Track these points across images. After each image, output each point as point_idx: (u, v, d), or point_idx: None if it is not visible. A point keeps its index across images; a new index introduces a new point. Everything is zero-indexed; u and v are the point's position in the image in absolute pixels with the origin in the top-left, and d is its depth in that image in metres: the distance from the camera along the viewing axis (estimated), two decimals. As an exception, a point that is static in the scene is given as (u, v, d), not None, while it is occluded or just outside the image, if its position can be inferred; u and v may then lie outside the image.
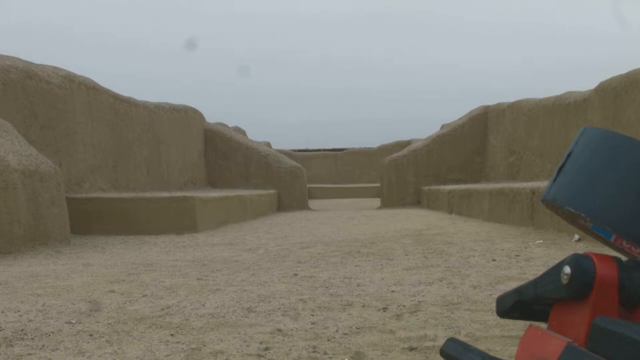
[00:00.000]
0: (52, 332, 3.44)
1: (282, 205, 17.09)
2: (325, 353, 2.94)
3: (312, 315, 3.74)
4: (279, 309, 3.95)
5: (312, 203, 19.46)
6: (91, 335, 3.37)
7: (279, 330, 3.39)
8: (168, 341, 3.21)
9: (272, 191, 16.77)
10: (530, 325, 0.73)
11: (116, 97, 12.71)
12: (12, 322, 3.70)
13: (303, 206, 17.37)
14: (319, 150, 31.53)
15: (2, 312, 3.99)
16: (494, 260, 5.94)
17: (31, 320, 3.73)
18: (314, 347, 3.03)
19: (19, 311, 4.01)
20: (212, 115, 32.78)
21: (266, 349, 3.02)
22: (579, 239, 7.22)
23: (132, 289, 4.79)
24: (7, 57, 9.95)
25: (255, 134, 38.18)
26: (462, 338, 3.18)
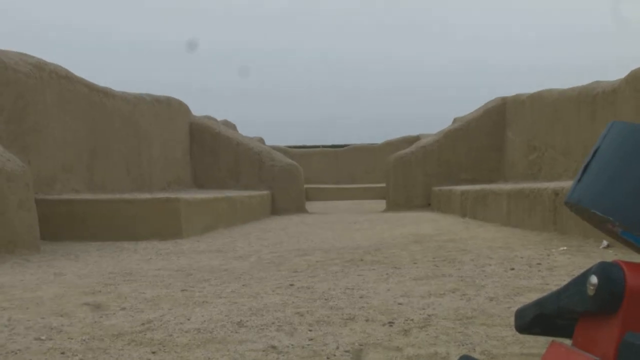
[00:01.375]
0: (18, 350, 3.44)
1: (276, 207, 17.08)
2: (325, 373, 2.94)
3: (310, 331, 3.74)
4: (273, 323, 3.94)
5: (310, 205, 19.45)
6: (63, 353, 3.37)
7: (273, 347, 3.39)
8: None
9: (265, 192, 16.76)
10: (552, 342, 0.73)
11: (91, 88, 12.70)
12: (-25, 338, 3.70)
13: (300, 209, 17.37)
14: (317, 146, 31.54)
15: (-36, 327, 3.99)
16: (512, 269, 5.94)
17: (-4, 336, 3.73)
18: (312, 366, 3.03)
19: (-18, 326, 4.00)
20: (200, 109, 32.69)
21: (258, 368, 3.02)
22: (608, 246, 7.22)
23: (109, 302, 4.78)
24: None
25: (246, 129, 38.12)
26: (476, 356, 3.18)
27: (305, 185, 19.77)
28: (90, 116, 12.59)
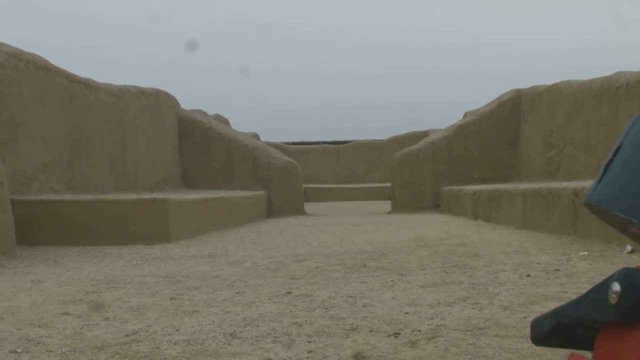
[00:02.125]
0: (-6, 363, 3.44)
1: (272, 209, 17.09)
2: (325, 388, 2.94)
3: (309, 342, 3.74)
4: (269, 334, 3.95)
5: (309, 207, 19.46)
6: (42, 366, 3.37)
7: (269, 360, 3.40)
8: (135, 374, 3.21)
9: (260, 192, 16.77)
10: (571, 354, 0.73)
11: (72, 79, 12.71)
12: (-54, 350, 3.70)
13: (298, 210, 17.38)
14: (317, 142, 31.57)
15: None
16: (528, 275, 5.95)
17: (-31, 349, 3.73)
18: (311, 381, 3.03)
19: (-46, 337, 4.00)
20: (189, 101, 32.71)
21: (253, 383, 3.02)
22: (632, 250, 7.22)
23: (91, 311, 4.79)
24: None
25: (239, 124, 38.18)
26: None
27: (304, 185, 19.78)
28: (71, 110, 12.59)
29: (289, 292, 5.38)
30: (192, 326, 4.21)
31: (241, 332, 4.02)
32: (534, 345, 0.82)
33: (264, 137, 27.29)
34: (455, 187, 16.24)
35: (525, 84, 19.62)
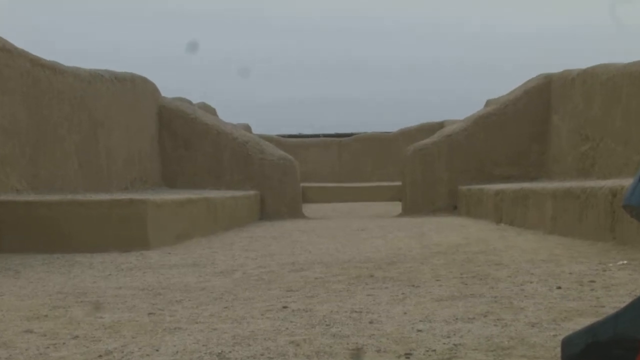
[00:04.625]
0: (-53, 388, 3.44)
1: (266, 211, 17.09)
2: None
3: (308, 364, 3.74)
4: (262, 354, 3.95)
5: (308, 208, 19.45)
6: (1, 391, 3.37)
7: (262, 384, 3.40)
8: (108, 400, 3.21)
9: (252, 192, 16.77)
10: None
11: (35, 62, 12.71)
12: None
13: (295, 213, 17.38)
14: (317, 135, 31.54)
15: None
16: (559, 287, 5.95)
17: None
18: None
19: None
20: (173, 90, 32.67)
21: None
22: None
23: (57, 328, 4.78)
24: None
25: (228, 114, 38.19)
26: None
27: (302, 184, 19.78)
28: (35, 97, 12.58)
29: (284, 307, 5.38)
30: (174, 345, 4.21)
31: (230, 352, 4.02)
32: (565, 366, 0.83)
33: (257, 129, 27.31)
34: (475, 187, 16.23)
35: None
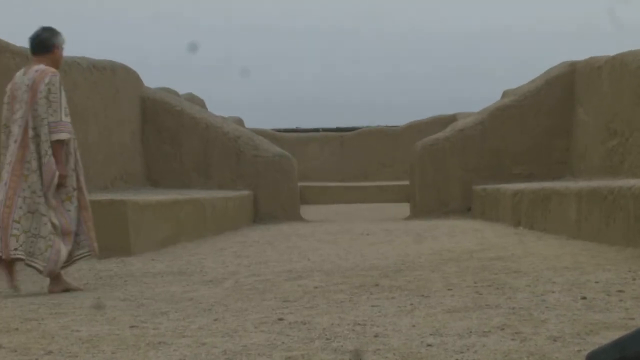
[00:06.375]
0: None
1: (260, 213, 17.09)
2: None
3: (306, 382, 3.74)
4: (255, 372, 3.94)
5: (307, 210, 19.44)
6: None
7: (255, 404, 3.39)
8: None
9: (245, 193, 16.76)
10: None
11: (4, 49, 12.69)
12: None
13: (292, 215, 17.37)
14: (316, 130, 31.51)
15: None
16: (583, 298, 5.94)
17: None
18: None
19: None
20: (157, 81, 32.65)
21: None
22: None
23: (29, 343, 4.77)
24: None
25: (218, 107, 38.18)
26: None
27: (300, 183, 19.77)
28: (1, 87, 12.56)
29: (280, 319, 5.37)
30: (158, 362, 4.20)
31: (220, 369, 4.01)
32: (592, 386, 0.82)
33: (250, 123, 27.31)
34: (491, 186, 16.22)
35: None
